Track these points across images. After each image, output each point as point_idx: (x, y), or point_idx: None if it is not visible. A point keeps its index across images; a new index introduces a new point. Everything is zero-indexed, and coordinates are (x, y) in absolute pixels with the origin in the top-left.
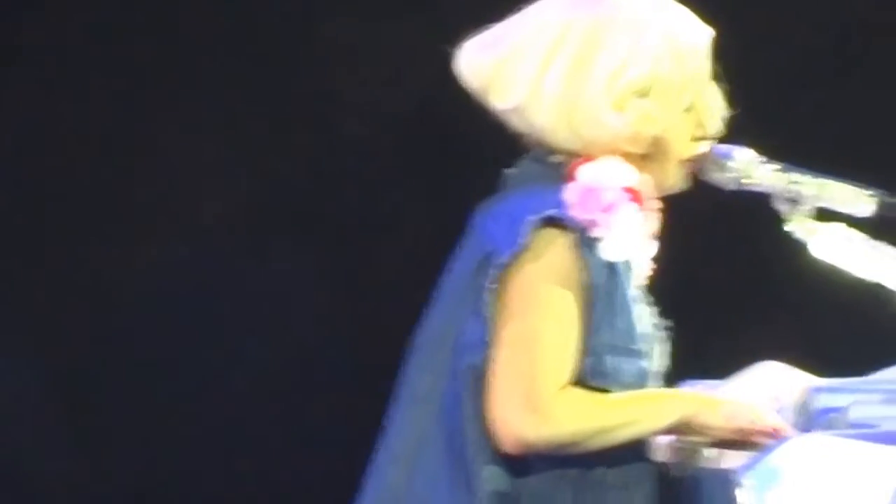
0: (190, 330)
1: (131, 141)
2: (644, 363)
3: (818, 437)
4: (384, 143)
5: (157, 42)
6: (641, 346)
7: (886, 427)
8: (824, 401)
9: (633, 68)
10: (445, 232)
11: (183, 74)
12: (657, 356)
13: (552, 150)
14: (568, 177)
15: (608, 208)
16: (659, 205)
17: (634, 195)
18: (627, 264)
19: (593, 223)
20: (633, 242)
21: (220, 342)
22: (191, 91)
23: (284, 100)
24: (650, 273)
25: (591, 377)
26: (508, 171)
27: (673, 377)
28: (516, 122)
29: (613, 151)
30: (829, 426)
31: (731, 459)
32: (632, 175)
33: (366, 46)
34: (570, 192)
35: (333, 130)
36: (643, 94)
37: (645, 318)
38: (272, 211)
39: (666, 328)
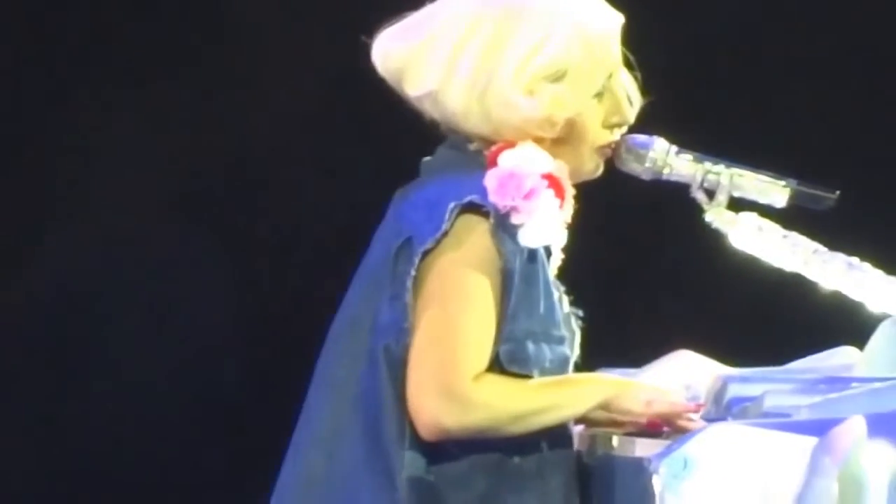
0: (97, 320)
1: (40, 129)
2: (565, 349)
3: (732, 426)
4: (297, 130)
5: (65, 24)
6: (562, 332)
7: (799, 416)
8: (737, 390)
9: (543, 53)
10: (360, 220)
11: (89, 56)
12: (574, 343)
13: (468, 138)
14: (488, 163)
15: (528, 195)
16: (574, 192)
17: (553, 182)
18: (547, 250)
19: (514, 209)
20: (553, 229)
21: (130, 334)
22: (97, 74)
23: (196, 87)
24: (560, 261)
25: (510, 364)
26: (426, 160)
27: (587, 366)
28: (430, 109)
29: (525, 136)
30: (742, 415)
31: (645, 447)
32: (550, 162)
33: (279, 32)
34: (490, 179)
35: (245, 118)
36: (555, 78)
37: (563, 305)
38: (182, 199)
39: (578, 317)
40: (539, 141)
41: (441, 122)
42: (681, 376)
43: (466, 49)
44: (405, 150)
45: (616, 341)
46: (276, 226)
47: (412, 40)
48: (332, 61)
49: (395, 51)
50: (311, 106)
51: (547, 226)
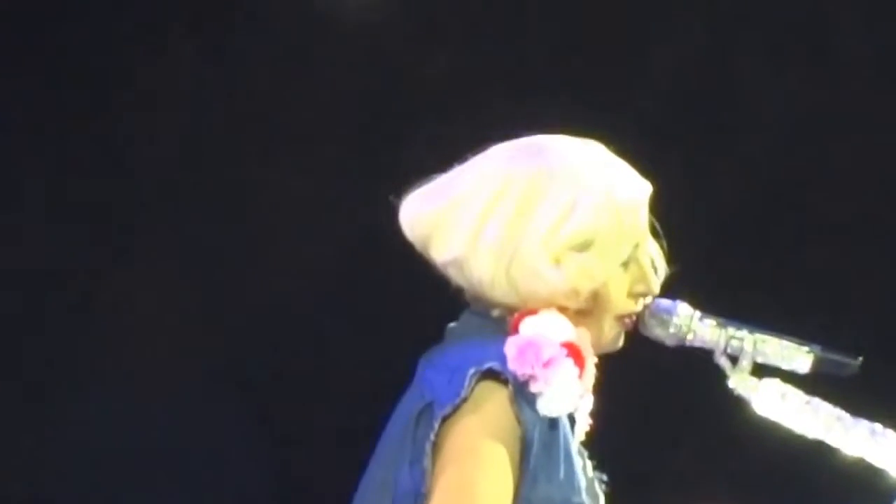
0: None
1: (65, 283)
2: None
3: None
4: (326, 293)
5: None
6: (582, 498)
7: None
8: None
9: (571, 222)
10: (388, 379)
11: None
12: None
13: (492, 305)
14: (511, 329)
15: (547, 364)
16: (596, 360)
17: (573, 351)
18: (570, 417)
19: (532, 378)
20: (571, 398)
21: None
22: (132, 221)
23: (225, 244)
24: (588, 428)
25: None
26: (450, 326)
27: None
28: (455, 275)
29: (551, 306)
30: None
31: None
32: (571, 330)
33: (305, 196)
34: (510, 346)
35: (273, 270)
36: (582, 248)
37: (587, 470)
38: (206, 358)
39: (602, 482)
40: (563, 309)
41: (467, 288)
42: None
43: (493, 215)
44: (432, 309)
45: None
46: (302, 381)
47: (438, 204)
48: (357, 218)
49: (421, 215)
50: (338, 260)
51: (566, 395)
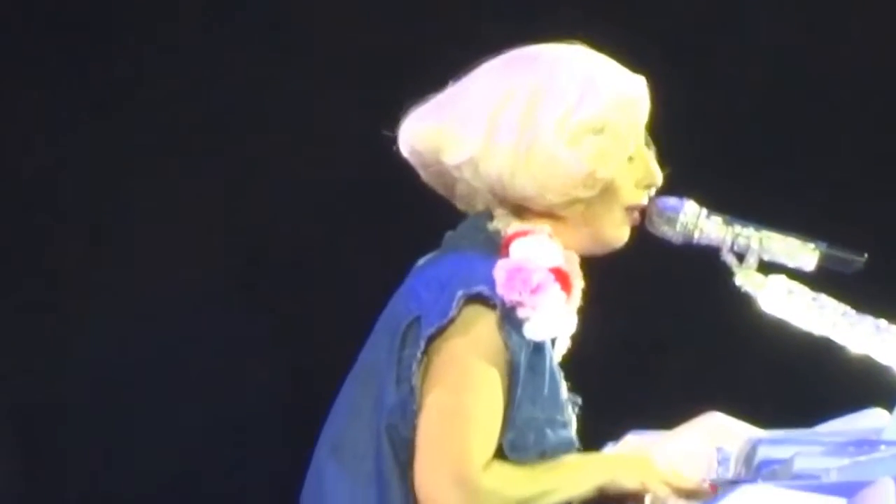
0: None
1: (83, 209)
2: (570, 433)
3: (762, 487)
4: (339, 209)
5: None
6: (566, 416)
7: (828, 478)
8: (767, 452)
9: (583, 108)
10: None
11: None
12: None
13: (491, 215)
14: (502, 248)
15: (535, 290)
16: (583, 284)
17: (561, 276)
18: (552, 340)
19: (520, 304)
20: (558, 323)
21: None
22: (146, 157)
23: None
24: (566, 349)
25: (511, 451)
26: (449, 234)
27: (621, 428)
28: (470, 176)
29: (566, 196)
30: (772, 477)
31: None
32: (560, 254)
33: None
34: (499, 271)
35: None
36: (596, 132)
37: (565, 389)
38: (224, 279)
39: (576, 404)
40: (573, 204)
41: (481, 188)
42: (711, 438)
43: (504, 113)
44: (438, 222)
45: (647, 403)
46: (317, 304)
47: (445, 115)
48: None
49: (426, 129)
50: (352, 188)
51: (552, 320)
